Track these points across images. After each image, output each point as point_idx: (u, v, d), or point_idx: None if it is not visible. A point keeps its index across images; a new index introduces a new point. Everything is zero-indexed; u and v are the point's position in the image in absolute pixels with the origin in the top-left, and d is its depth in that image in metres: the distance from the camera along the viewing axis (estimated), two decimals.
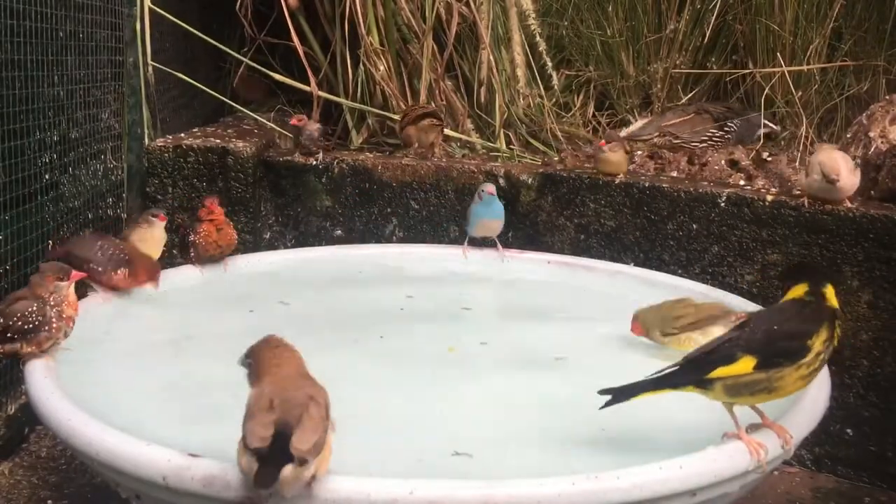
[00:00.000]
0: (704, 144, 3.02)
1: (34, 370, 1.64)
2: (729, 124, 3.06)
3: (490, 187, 2.54)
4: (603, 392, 1.46)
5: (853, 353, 2.31)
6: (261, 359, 1.35)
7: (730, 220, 2.49)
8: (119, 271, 2.10)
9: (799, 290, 1.50)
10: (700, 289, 2.28)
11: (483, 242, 2.61)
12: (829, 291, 1.48)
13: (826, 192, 2.33)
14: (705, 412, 1.68)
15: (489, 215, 2.55)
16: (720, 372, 1.41)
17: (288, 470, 1.17)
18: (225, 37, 3.66)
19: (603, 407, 1.46)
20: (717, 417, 1.51)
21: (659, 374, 1.48)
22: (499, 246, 2.58)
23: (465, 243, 2.60)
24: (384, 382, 1.81)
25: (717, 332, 1.81)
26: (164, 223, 2.34)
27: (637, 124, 3.30)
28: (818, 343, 1.41)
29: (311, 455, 1.18)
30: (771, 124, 3.12)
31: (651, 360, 1.96)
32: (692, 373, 1.44)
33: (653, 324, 2.00)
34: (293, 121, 2.97)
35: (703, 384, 1.43)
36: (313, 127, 2.94)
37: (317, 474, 1.22)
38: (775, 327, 1.44)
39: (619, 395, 1.46)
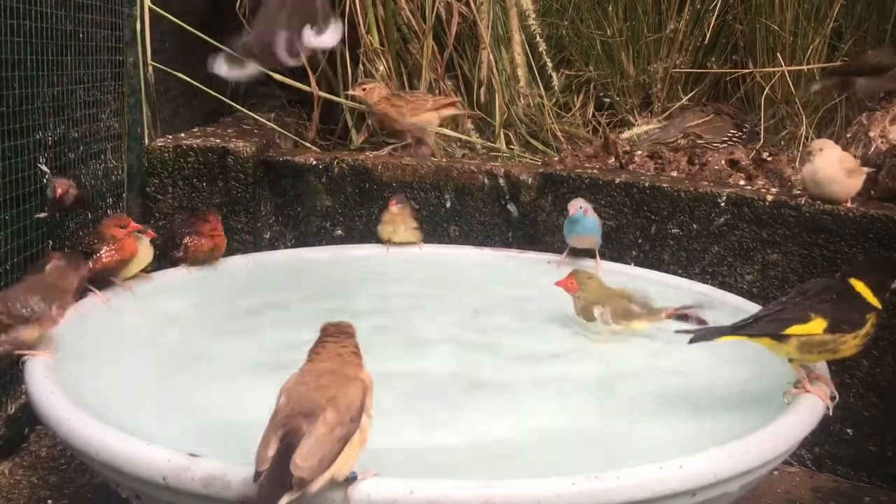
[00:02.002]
0: (725, 145, 3.02)
1: (34, 370, 1.64)
2: (746, 124, 3.07)
3: (574, 205, 2.40)
4: (680, 332, 1.68)
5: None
6: (312, 348, 1.34)
7: (730, 220, 2.49)
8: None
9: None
10: (700, 288, 2.28)
11: (483, 240, 2.61)
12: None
13: (820, 186, 2.33)
14: (701, 412, 1.69)
15: (579, 231, 2.45)
16: (796, 329, 1.58)
17: (284, 501, 1.15)
18: (224, 36, 3.66)
19: (690, 342, 1.62)
20: (711, 419, 1.54)
21: (736, 325, 1.64)
22: (597, 259, 2.48)
23: (565, 254, 2.52)
24: (383, 383, 1.81)
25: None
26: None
27: (644, 127, 3.30)
28: (872, 319, 1.61)
29: (313, 474, 1.16)
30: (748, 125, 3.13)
31: (653, 360, 1.96)
32: (770, 326, 1.60)
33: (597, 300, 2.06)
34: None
35: (779, 338, 1.59)
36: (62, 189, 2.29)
37: (336, 477, 1.21)
38: (840, 299, 1.62)
39: (701, 336, 1.63)
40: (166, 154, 2.84)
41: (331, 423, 1.20)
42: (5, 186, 2.16)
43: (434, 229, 2.84)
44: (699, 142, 3.06)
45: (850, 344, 1.60)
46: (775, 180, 2.73)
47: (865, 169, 2.37)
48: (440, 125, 3.17)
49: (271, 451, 1.18)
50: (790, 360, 1.62)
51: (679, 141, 3.10)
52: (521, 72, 3.51)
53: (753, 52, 3.33)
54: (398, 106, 3.02)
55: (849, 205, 2.33)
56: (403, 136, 3.10)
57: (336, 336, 1.36)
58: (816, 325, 1.58)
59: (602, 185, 2.66)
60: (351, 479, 1.23)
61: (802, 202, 2.39)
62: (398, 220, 2.60)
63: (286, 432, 1.20)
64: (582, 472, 1.28)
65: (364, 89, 3.02)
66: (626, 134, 3.27)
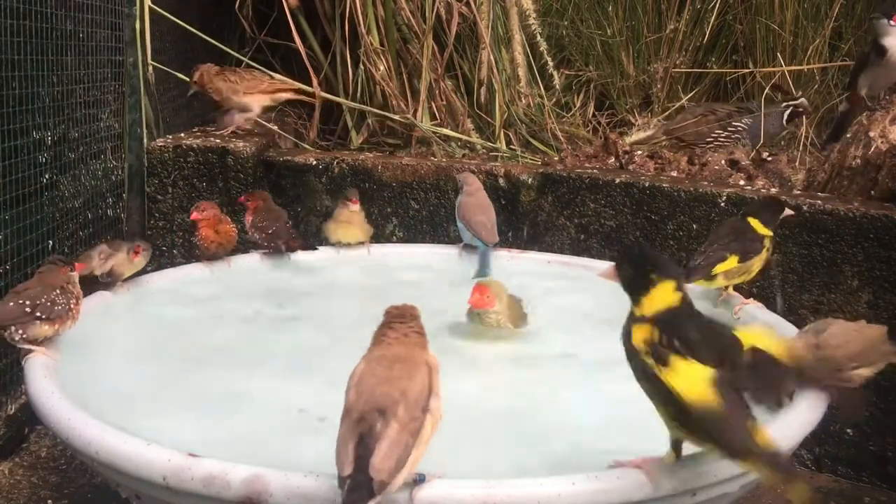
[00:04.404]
0: (710, 146, 3.00)
1: (34, 370, 1.64)
2: (734, 124, 3.05)
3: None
4: None
5: None
6: (376, 333, 1.32)
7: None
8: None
9: None
10: (700, 289, 2.28)
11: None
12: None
13: None
14: None
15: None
16: (720, 268, 2.09)
17: None
18: (225, 36, 3.66)
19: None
20: None
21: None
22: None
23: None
24: None
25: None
26: (357, 206, 2.55)
27: (647, 132, 3.30)
28: (767, 244, 2.14)
29: (391, 475, 1.14)
30: (793, 103, 3.06)
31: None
32: (699, 272, 2.08)
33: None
34: None
35: (710, 277, 2.09)
36: None
37: (410, 472, 1.19)
38: (741, 241, 2.12)
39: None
40: (166, 154, 2.84)
41: (403, 420, 1.18)
42: (5, 186, 2.16)
43: (434, 229, 2.84)
44: (681, 144, 3.05)
45: (756, 266, 2.13)
46: (775, 180, 2.73)
47: None
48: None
49: (351, 455, 1.16)
50: (724, 289, 2.13)
51: (662, 143, 3.09)
52: (522, 72, 3.51)
53: (753, 51, 3.34)
54: (232, 82, 3.02)
55: None
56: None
57: (400, 317, 1.33)
58: (733, 261, 2.08)
59: (602, 185, 2.66)
60: (419, 480, 1.22)
61: (802, 202, 2.39)
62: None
63: (362, 433, 1.17)
64: (581, 473, 1.28)
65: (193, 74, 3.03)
66: (629, 139, 3.27)
